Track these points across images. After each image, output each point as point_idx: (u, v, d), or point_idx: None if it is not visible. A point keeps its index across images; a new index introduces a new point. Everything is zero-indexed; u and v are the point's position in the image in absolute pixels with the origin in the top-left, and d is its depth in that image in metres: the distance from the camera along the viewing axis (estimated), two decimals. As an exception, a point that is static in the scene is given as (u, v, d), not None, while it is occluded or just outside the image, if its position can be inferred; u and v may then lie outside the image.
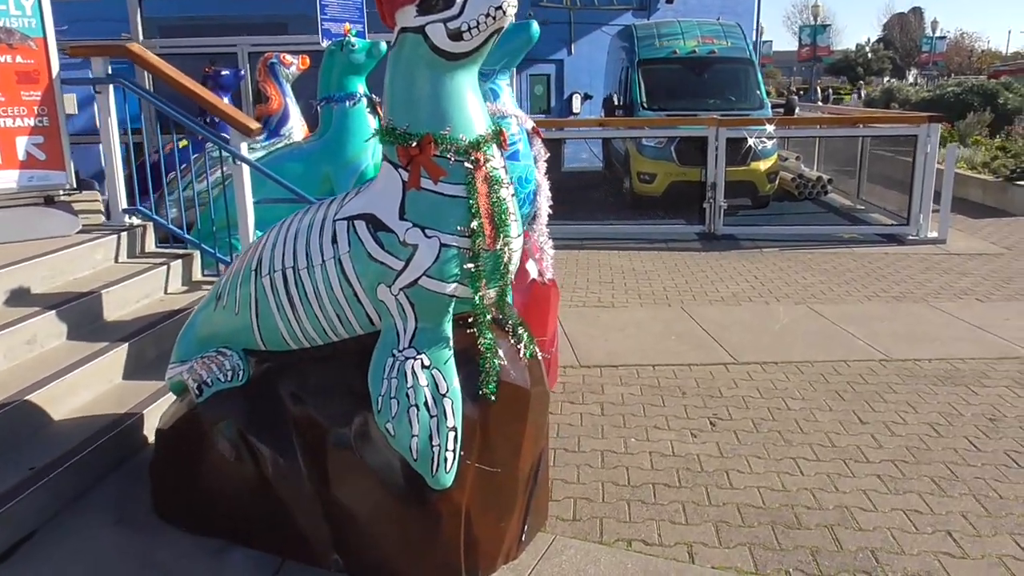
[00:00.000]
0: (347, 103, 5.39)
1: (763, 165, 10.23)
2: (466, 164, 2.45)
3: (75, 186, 5.04)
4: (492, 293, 2.57)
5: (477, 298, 2.49)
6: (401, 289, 2.46)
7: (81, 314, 3.85)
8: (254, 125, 4.82)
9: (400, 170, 2.49)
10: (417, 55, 2.43)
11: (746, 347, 4.92)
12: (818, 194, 11.35)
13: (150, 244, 5.12)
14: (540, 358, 2.77)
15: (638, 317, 5.58)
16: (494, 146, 2.55)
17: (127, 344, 3.73)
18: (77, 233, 4.74)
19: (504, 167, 2.59)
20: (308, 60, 6.97)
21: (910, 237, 8.34)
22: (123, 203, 5.07)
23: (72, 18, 12.17)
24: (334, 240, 2.54)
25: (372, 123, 5.58)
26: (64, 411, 3.24)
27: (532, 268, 4.01)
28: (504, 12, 2.34)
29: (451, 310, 2.51)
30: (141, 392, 3.50)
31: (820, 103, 34.77)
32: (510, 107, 3.92)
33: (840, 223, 9.73)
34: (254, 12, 10.48)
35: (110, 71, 4.94)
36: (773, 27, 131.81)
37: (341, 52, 5.35)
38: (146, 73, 8.32)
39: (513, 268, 2.60)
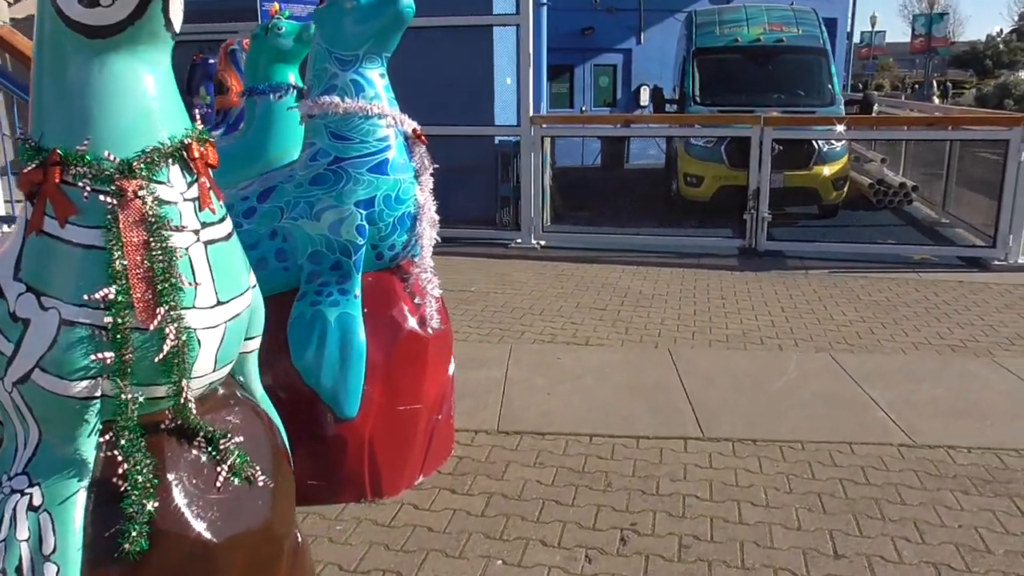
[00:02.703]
0: (272, 96, 4.63)
1: (828, 169, 8.90)
2: (104, 198, 1.60)
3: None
4: (160, 392, 1.70)
5: (121, 401, 1.63)
6: (14, 384, 1.63)
7: None
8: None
9: (29, 204, 1.66)
10: (58, 33, 1.61)
11: (725, 414, 3.82)
12: (900, 203, 9.85)
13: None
14: (265, 482, 1.86)
15: (607, 361, 4.54)
16: (173, 169, 1.68)
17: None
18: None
19: (196, 200, 1.72)
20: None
21: (996, 262, 6.87)
22: None
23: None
24: None
25: (304, 120, 4.81)
26: None
27: (407, 315, 3.09)
28: None
29: (92, 420, 1.66)
30: None
31: (936, 98, 31.91)
32: (382, 104, 3.01)
33: (916, 240, 8.27)
34: (265, -4, 9.89)
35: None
36: (888, 16, 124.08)
37: (266, 36, 4.62)
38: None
39: (197, 357, 1.71)
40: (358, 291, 3.01)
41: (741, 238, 7.62)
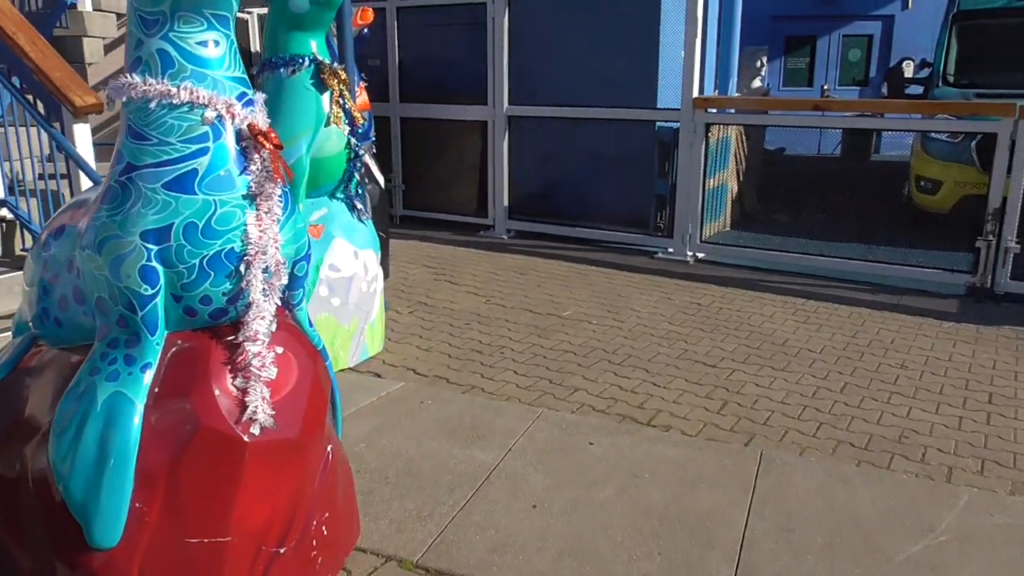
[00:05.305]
0: (283, 70, 3.89)
1: None
2: None
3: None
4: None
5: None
6: None
7: None
8: (90, 99, 3.44)
9: None
10: None
11: (781, 602, 2.33)
12: None
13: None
14: None
15: (656, 460, 3.13)
16: None
17: None
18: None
19: None
20: (371, 13, 5.49)
21: None
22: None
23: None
24: None
25: (324, 100, 3.97)
26: None
27: (214, 404, 2.05)
28: None
29: None
30: None
31: None
32: (198, 87, 2.01)
33: None
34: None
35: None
36: None
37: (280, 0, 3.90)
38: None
39: None
40: (149, 361, 2.04)
41: (971, 273, 5.53)
